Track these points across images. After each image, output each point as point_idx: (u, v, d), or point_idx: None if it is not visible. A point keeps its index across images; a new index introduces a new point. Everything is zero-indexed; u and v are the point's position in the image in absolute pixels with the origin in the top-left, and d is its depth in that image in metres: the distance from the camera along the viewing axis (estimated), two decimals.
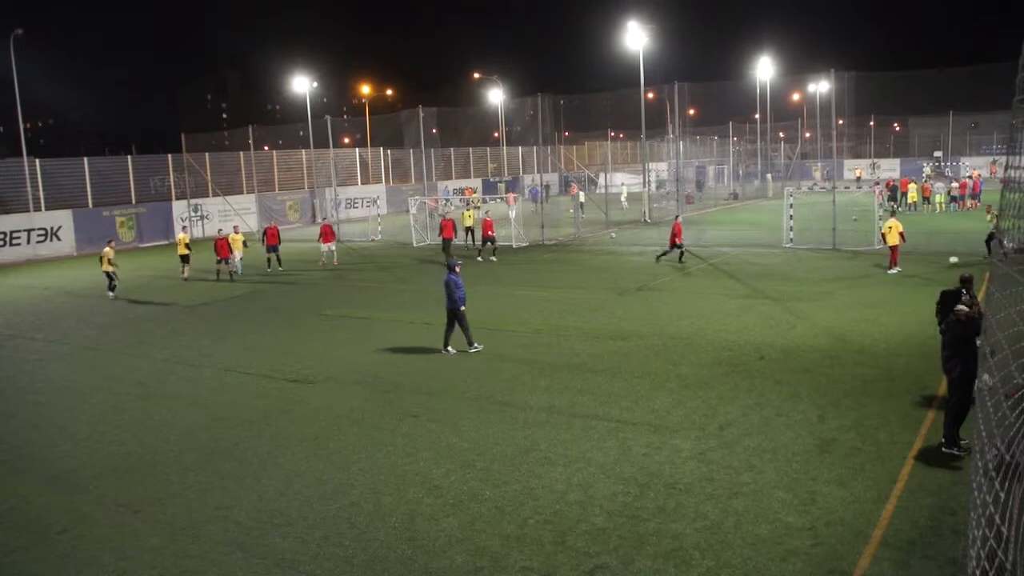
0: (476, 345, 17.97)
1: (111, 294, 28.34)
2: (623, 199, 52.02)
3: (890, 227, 26.34)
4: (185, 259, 32.04)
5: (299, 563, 9.07)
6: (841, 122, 70.53)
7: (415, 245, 40.36)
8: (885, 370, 15.37)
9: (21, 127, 47.20)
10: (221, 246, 31.38)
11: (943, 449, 11.15)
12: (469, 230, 37.56)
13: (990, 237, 25.10)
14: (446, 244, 34.62)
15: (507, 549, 9.10)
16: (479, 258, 32.80)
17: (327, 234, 34.65)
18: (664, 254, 30.20)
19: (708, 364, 16.23)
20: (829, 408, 13.31)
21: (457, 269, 18.01)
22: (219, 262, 31.34)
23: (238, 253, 32.54)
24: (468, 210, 38.42)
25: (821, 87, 65.12)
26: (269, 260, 33.62)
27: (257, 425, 13.89)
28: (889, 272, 25.93)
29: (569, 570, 8.61)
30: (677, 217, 31.23)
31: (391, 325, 21.53)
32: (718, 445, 11.86)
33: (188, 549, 9.54)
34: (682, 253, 29.75)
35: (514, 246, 37.25)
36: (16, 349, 21.06)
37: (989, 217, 31.93)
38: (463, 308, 17.78)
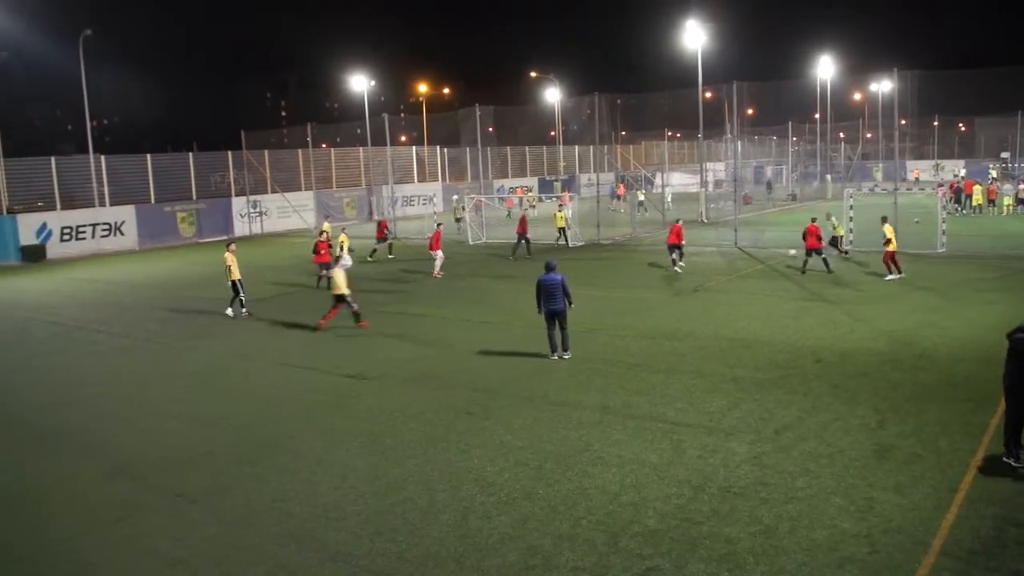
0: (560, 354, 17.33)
1: (241, 311, 23.46)
2: (668, 200, 51.69)
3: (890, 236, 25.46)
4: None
5: (353, 557, 9.17)
6: (904, 122, 69.23)
7: (471, 243, 40.49)
8: (946, 375, 15.07)
9: (88, 125, 48.28)
10: (321, 248, 28.43)
11: (1003, 459, 10.90)
12: (561, 231, 37.50)
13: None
14: (521, 240, 34.79)
15: (559, 549, 9.10)
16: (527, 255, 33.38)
17: (381, 228, 35.85)
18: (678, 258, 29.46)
19: (764, 367, 16.06)
20: (888, 413, 13.08)
21: (555, 268, 17.29)
22: (321, 267, 28.13)
23: (346, 253, 30.97)
24: (559, 211, 38.03)
25: (883, 86, 64.02)
26: (389, 247, 36.19)
27: (312, 419, 14.07)
28: (888, 279, 25.25)
29: (621, 571, 8.59)
30: (677, 220, 30.64)
31: (445, 322, 21.65)
32: (773, 449, 11.73)
33: (243, 540, 9.71)
34: (681, 254, 29.35)
35: (570, 245, 37.18)
36: (80, 341, 21.58)
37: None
38: (543, 311, 17.22)
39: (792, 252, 29.49)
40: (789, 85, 65.87)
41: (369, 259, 34.37)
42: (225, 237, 48.44)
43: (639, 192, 53.18)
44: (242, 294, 23.36)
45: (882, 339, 17.92)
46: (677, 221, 30.63)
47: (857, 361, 16.21)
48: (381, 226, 36.59)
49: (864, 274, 26.65)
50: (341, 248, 28.20)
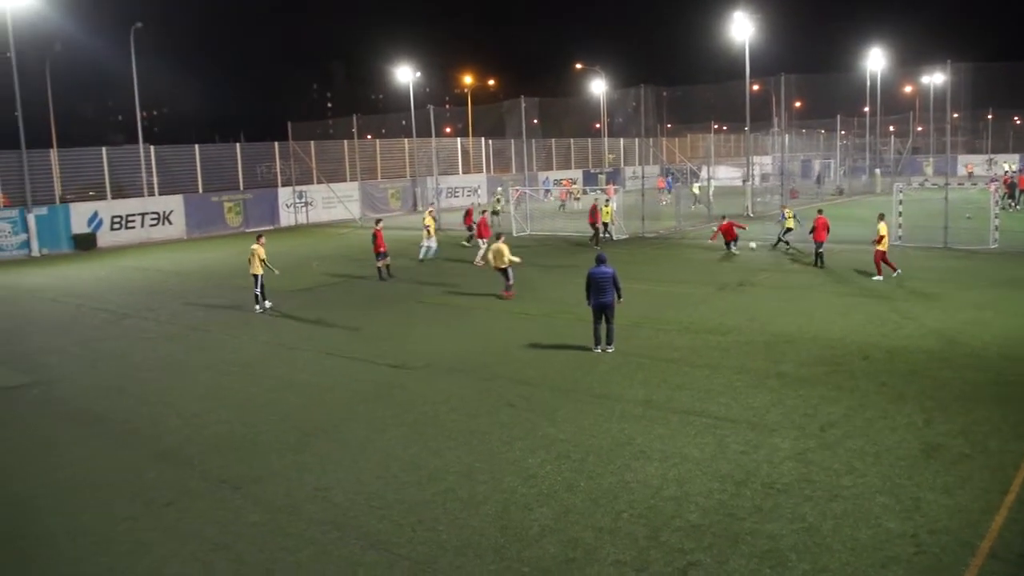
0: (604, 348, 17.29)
1: (263, 306, 23.34)
2: (695, 189, 51.44)
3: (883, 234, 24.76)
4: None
5: (394, 545, 9.25)
6: (956, 115, 68.00)
7: (514, 235, 40.49)
8: (997, 374, 14.82)
9: (138, 116, 49.01)
10: (379, 239, 28.13)
11: None
12: (605, 225, 37.38)
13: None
14: (598, 229, 34.89)
15: (600, 541, 9.11)
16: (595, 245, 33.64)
17: (469, 216, 36.94)
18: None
19: (810, 363, 15.91)
20: (936, 412, 12.89)
21: (606, 261, 17.30)
22: (378, 257, 28.14)
23: (432, 238, 32.43)
24: (607, 206, 37.75)
25: (936, 79, 62.91)
26: (470, 238, 35.99)
27: (356, 408, 14.20)
28: (876, 279, 24.62)
29: (662, 566, 8.57)
30: (723, 217, 31.23)
31: (489, 314, 21.71)
32: (818, 446, 11.62)
33: (287, 527, 9.84)
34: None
35: (614, 238, 37.04)
36: (130, 328, 21.96)
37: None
38: (591, 304, 17.22)
39: (752, 245, 31.43)
40: (838, 78, 65.06)
41: (466, 244, 35.94)
42: (271, 227, 49.09)
43: (693, 184, 52.93)
44: (258, 289, 23.18)
45: (931, 337, 17.65)
46: (723, 219, 30.93)
47: (905, 359, 15.99)
48: (469, 214, 37.66)
49: (911, 271, 26.22)
50: (428, 230, 32.08)
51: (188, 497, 10.83)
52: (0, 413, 14.91)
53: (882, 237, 24.74)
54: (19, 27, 40.88)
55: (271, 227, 49.39)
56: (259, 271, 23.08)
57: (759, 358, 16.37)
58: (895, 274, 24.71)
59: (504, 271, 23.58)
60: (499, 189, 51.90)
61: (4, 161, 41.57)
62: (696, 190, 50.93)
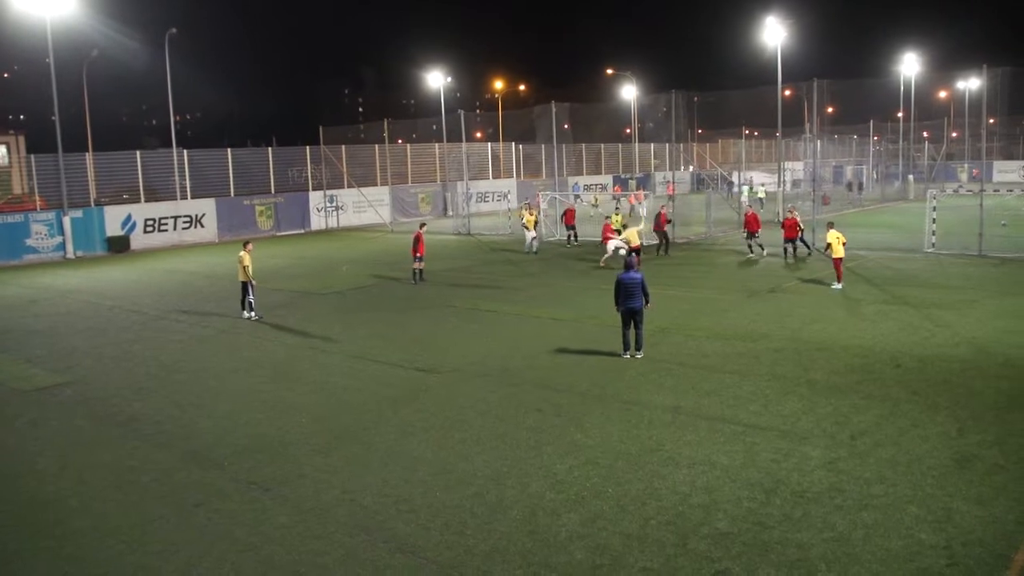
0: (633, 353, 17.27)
1: (250, 315, 22.88)
2: (744, 199, 51.32)
3: (838, 238, 24.50)
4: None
5: (421, 549, 9.27)
6: (992, 121, 67.20)
7: (545, 240, 40.46)
8: None
9: (172, 120, 49.57)
10: (420, 242, 28.09)
11: None
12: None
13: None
14: (663, 238, 34.84)
15: (628, 548, 9.08)
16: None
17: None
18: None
19: (841, 371, 15.77)
20: (969, 422, 12.73)
21: (635, 267, 17.36)
22: (416, 260, 28.21)
23: (532, 232, 35.12)
24: (616, 214, 37.54)
25: (971, 84, 62.21)
26: (569, 237, 38.27)
27: (384, 412, 14.25)
28: (834, 288, 24.31)
29: (690, 573, 8.53)
30: (749, 208, 31.40)
31: (518, 319, 21.71)
32: (849, 455, 11.51)
33: (315, 529, 9.89)
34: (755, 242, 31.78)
35: (643, 244, 36.84)
36: (162, 330, 22.18)
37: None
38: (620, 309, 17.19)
39: (763, 252, 32.30)
40: (871, 83, 64.60)
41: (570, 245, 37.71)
42: (302, 231, 49.43)
43: (744, 188, 52.85)
44: (251, 296, 22.76)
45: (964, 345, 17.44)
46: (748, 209, 31.05)
47: (937, 367, 15.81)
48: (568, 214, 39.18)
49: (945, 278, 25.93)
50: (525, 224, 35.10)
51: (218, 498, 10.92)
52: (34, 413, 15.12)
53: (829, 244, 24.91)
54: (57, 33, 41.48)
55: (302, 231, 49.75)
56: (247, 278, 22.49)
57: (789, 365, 16.25)
58: (836, 286, 24.42)
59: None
60: (526, 202, 51.72)
61: (42, 165, 42.26)
62: (746, 194, 50.78)
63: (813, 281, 26.19)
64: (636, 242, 29.43)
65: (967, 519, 9.48)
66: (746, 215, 33.00)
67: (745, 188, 55.10)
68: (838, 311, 21.31)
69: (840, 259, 24.61)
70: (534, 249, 35.00)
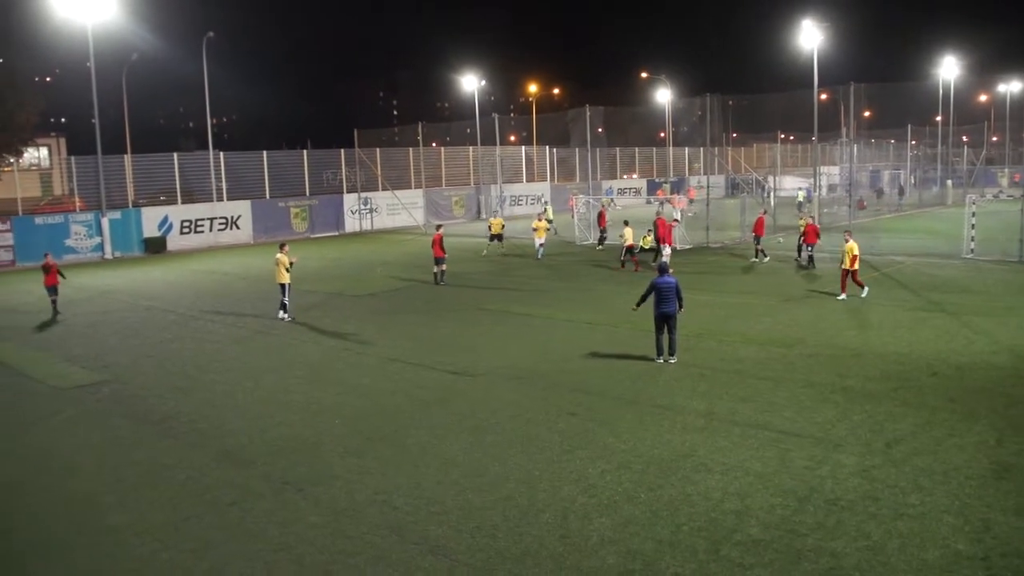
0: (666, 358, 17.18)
1: (283, 316, 23.07)
2: (787, 199, 50.99)
3: (851, 249, 23.46)
4: (498, 238, 36.81)
5: (452, 551, 9.29)
6: None
7: (578, 243, 40.43)
8: None
9: (209, 122, 50.07)
10: (437, 244, 28.60)
11: None
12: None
13: None
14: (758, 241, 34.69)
15: (659, 554, 9.04)
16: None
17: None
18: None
19: (876, 377, 15.59)
20: (1008, 431, 12.54)
21: (669, 271, 17.54)
22: (437, 262, 28.68)
23: (540, 239, 35.35)
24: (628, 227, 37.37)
25: (1012, 87, 61.28)
26: (601, 240, 38.35)
27: (417, 414, 14.29)
28: (840, 298, 23.49)
29: None
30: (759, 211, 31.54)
31: (551, 323, 21.69)
32: (884, 463, 11.38)
33: (347, 529, 9.94)
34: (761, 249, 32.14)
35: (678, 248, 36.71)
36: (197, 330, 22.41)
37: None
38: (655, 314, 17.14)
39: (780, 239, 34.18)
40: (909, 87, 63.86)
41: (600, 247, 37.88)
42: (336, 233, 49.73)
43: (800, 192, 52.68)
44: (285, 296, 22.88)
45: (1003, 353, 17.18)
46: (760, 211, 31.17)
47: (976, 375, 15.59)
48: (601, 215, 39.61)
49: (985, 285, 25.56)
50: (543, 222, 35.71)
51: (251, 497, 11.01)
52: (72, 410, 15.34)
53: (855, 256, 23.53)
54: (98, 38, 42.07)
55: (336, 233, 50.04)
56: (285, 280, 22.72)
57: (824, 371, 16.10)
58: (843, 297, 23.59)
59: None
60: (546, 205, 51.52)
61: (81, 167, 42.92)
62: (801, 197, 50.58)
63: (850, 287, 25.90)
64: (630, 241, 30.92)
65: (1005, 530, 9.34)
66: (757, 219, 32.66)
67: (801, 193, 54.59)
68: (874, 317, 21.08)
69: (847, 271, 23.58)
70: (539, 256, 34.92)
